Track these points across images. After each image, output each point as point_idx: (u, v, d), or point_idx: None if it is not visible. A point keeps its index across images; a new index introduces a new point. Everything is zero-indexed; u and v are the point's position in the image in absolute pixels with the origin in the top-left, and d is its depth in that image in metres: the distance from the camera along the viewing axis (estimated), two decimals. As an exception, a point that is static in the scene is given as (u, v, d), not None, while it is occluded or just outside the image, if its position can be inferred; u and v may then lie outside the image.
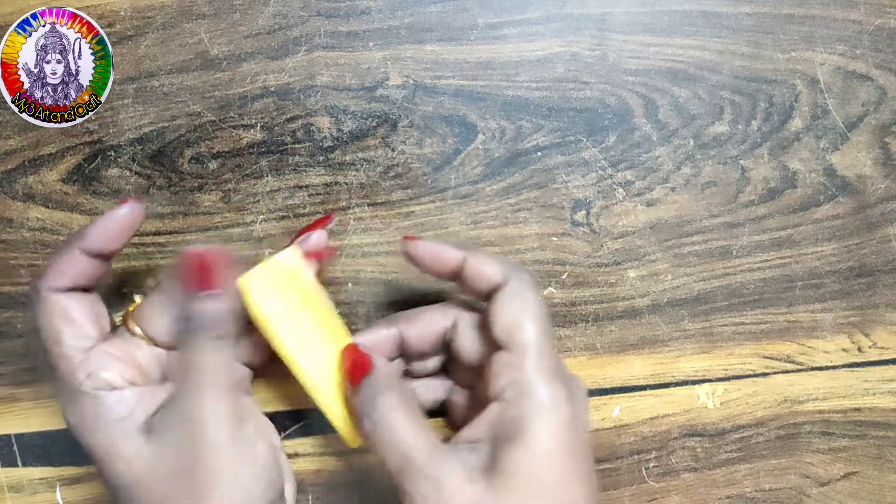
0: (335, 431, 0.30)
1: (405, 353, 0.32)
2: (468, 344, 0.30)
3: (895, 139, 0.35)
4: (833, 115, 0.35)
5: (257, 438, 0.28)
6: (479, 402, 0.31)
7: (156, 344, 0.29)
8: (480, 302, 0.30)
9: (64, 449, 0.35)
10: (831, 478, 0.36)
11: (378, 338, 0.31)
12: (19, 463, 0.35)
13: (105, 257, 0.28)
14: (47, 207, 0.35)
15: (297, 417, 0.35)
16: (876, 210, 0.35)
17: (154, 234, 0.35)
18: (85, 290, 0.28)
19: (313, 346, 0.29)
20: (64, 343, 0.27)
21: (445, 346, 0.32)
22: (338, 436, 0.30)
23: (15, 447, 0.35)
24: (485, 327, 0.29)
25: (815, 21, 0.35)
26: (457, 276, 0.29)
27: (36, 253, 0.35)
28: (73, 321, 0.27)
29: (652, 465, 0.36)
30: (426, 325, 0.31)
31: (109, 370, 0.27)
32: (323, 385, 0.30)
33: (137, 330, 0.29)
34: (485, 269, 0.29)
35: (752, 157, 0.35)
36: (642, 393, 0.36)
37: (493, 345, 0.28)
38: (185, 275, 0.27)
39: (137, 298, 0.30)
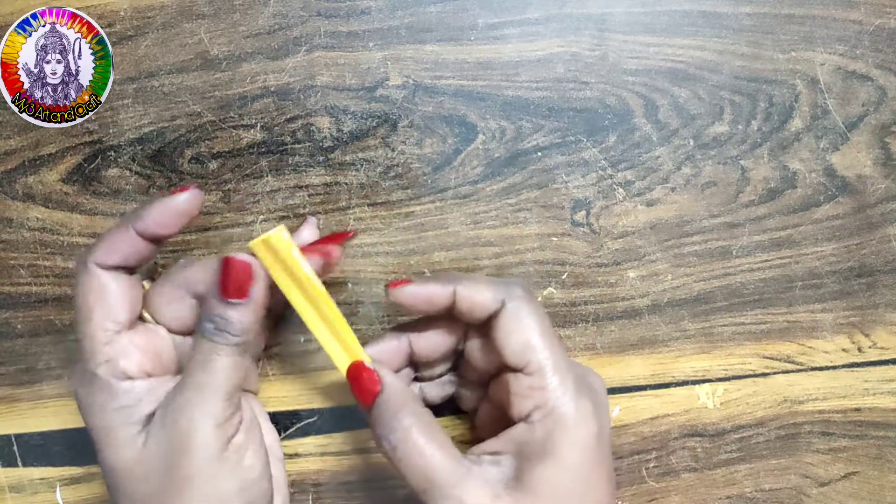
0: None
1: (415, 362, 0.32)
2: (480, 357, 0.30)
3: (895, 139, 0.35)
4: (833, 115, 0.35)
5: (247, 451, 0.28)
6: (493, 403, 0.31)
7: (167, 328, 0.29)
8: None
9: (64, 449, 0.35)
10: (831, 478, 0.36)
11: (388, 349, 0.31)
12: (19, 463, 0.35)
13: (157, 241, 0.28)
14: (47, 207, 0.35)
15: (298, 417, 0.35)
16: (876, 210, 0.35)
17: (154, 234, 0.35)
18: (130, 271, 0.28)
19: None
20: (93, 321, 0.27)
21: (456, 352, 0.32)
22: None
23: (15, 447, 0.35)
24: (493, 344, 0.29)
25: (815, 21, 0.35)
26: (450, 310, 0.29)
27: (36, 253, 0.35)
28: (108, 302, 0.27)
29: (652, 465, 0.36)
30: (437, 336, 0.31)
31: (129, 358, 0.27)
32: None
33: (147, 316, 0.29)
34: (477, 299, 0.28)
35: (752, 157, 0.35)
36: (642, 393, 0.36)
37: (505, 364, 0.28)
38: (222, 278, 0.27)
39: (146, 284, 0.30)
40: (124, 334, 0.28)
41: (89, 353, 0.27)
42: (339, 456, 0.35)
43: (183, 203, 0.27)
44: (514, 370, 0.28)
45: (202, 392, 0.27)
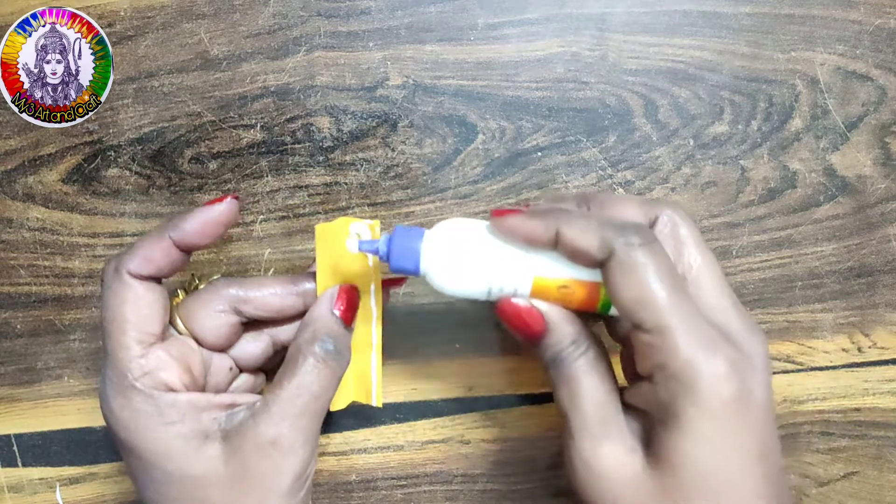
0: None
1: None
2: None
3: (895, 139, 0.35)
4: (833, 115, 0.35)
5: (314, 458, 0.28)
6: (628, 345, 0.29)
7: (198, 342, 0.29)
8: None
9: (63, 449, 0.35)
10: (831, 478, 0.36)
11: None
12: (19, 463, 0.35)
13: (190, 251, 0.28)
14: (47, 207, 0.35)
15: (297, 417, 0.35)
16: (876, 210, 0.35)
17: (154, 234, 0.35)
18: (158, 280, 0.28)
19: None
20: (127, 333, 0.26)
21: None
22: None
23: (15, 447, 0.35)
24: None
25: (815, 21, 0.35)
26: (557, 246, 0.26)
27: (36, 253, 0.35)
28: (143, 313, 0.27)
29: (652, 465, 0.36)
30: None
31: (169, 370, 0.27)
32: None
33: (181, 325, 0.29)
34: (580, 245, 0.24)
35: (752, 157, 0.35)
36: (642, 393, 0.36)
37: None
38: (347, 304, 0.29)
39: (180, 294, 0.30)
40: (158, 346, 0.27)
41: (124, 367, 0.26)
42: (338, 456, 0.35)
43: (222, 213, 0.27)
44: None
45: (306, 415, 0.27)
